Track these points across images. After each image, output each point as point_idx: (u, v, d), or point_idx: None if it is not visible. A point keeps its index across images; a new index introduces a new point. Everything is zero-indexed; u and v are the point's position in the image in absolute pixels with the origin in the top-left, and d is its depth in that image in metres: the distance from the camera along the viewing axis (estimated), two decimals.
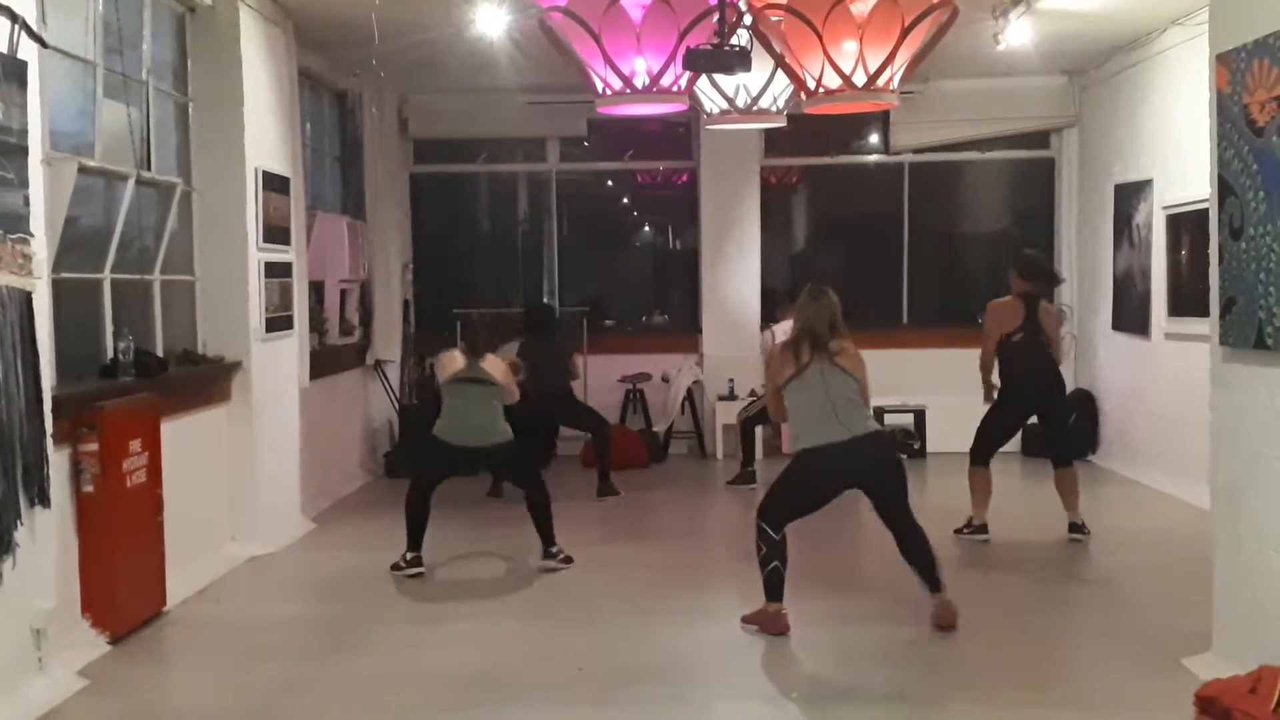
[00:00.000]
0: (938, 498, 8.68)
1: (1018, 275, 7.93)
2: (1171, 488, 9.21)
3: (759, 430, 10.44)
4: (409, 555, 7.17)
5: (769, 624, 5.89)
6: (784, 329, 9.30)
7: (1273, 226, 4.77)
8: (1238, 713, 4.46)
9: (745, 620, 6.00)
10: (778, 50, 6.78)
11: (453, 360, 7.36)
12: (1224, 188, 5.12)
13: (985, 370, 7.90)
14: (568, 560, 7.30)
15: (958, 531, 7.87)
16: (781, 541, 5.89)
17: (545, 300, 11.95)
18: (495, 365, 7.33)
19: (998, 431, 7.99)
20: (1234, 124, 5.02)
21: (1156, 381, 9.77)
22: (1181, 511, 8.57)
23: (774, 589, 5.89)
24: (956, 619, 5.90)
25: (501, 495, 9.35)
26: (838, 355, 5.91)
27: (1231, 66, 5.03)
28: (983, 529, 7.87)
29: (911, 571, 6.02)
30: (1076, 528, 7.85)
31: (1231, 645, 5.12)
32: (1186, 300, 9.13)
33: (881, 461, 5.95)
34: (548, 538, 7.32)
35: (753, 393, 11.16)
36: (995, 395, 7.90)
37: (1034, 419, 8.30)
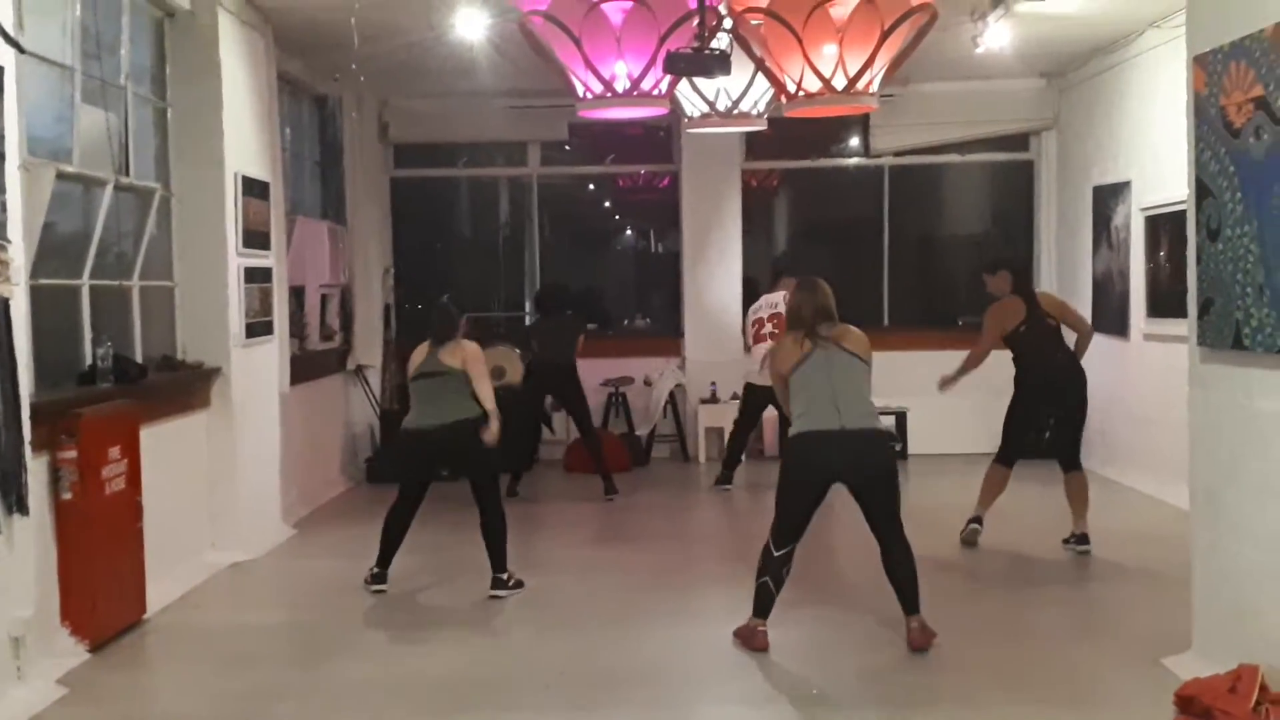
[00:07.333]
0: (919, 500, 8.69)
1: (1009, 273, 7.78)
2: (1150, 488, 9.25)
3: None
4: (375, 570, 6.94)
5: (746, 638, 5.80)
6: (769, 302, 9.36)
7: (1249, 227, 4.80)
8: (1218, 711, 4.49)
9: (734, 633, 5.90)
10: (758, 54, 6.79)
11: (418, 354, 7.07)
12: (1201, 189, 5.15)
13: (966, 368, 7.80)
14: (519, 585, 6.87)
15: (967, 522, 7.83)
16: (780, 560, 5.69)
17: (557, 281, 11.56)
18: (454, 353, 6.92)
19: (1019, 430, 7.77)
20: (1211, 126, 5.05)
21: (1135, 382, 9.81)
22: (1160, 511, 8.62)
23: (758, 605, 5.77)
24: (930, 641, 5.64)
25: (517, 493, 9.61)
26: (841, 339, 5.82)
27: (1209, 69, 5.05)
28: (977, 521, 7.80)
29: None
30: (1078, 539, 7.60)
31: (1211, 644, 5.14)
32: (1165, 301, 9.18)
33: (868, 461, 5.67)
34: (498, 562, 6.86)
35: (735, 395, 11.16)
36: (954, 383, 7.82)
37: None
